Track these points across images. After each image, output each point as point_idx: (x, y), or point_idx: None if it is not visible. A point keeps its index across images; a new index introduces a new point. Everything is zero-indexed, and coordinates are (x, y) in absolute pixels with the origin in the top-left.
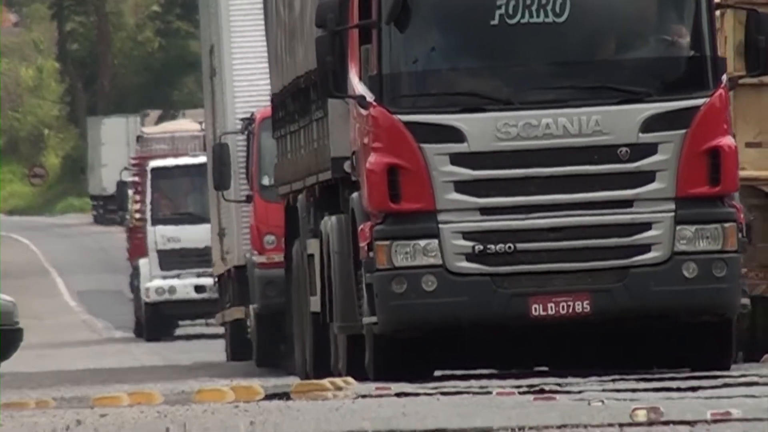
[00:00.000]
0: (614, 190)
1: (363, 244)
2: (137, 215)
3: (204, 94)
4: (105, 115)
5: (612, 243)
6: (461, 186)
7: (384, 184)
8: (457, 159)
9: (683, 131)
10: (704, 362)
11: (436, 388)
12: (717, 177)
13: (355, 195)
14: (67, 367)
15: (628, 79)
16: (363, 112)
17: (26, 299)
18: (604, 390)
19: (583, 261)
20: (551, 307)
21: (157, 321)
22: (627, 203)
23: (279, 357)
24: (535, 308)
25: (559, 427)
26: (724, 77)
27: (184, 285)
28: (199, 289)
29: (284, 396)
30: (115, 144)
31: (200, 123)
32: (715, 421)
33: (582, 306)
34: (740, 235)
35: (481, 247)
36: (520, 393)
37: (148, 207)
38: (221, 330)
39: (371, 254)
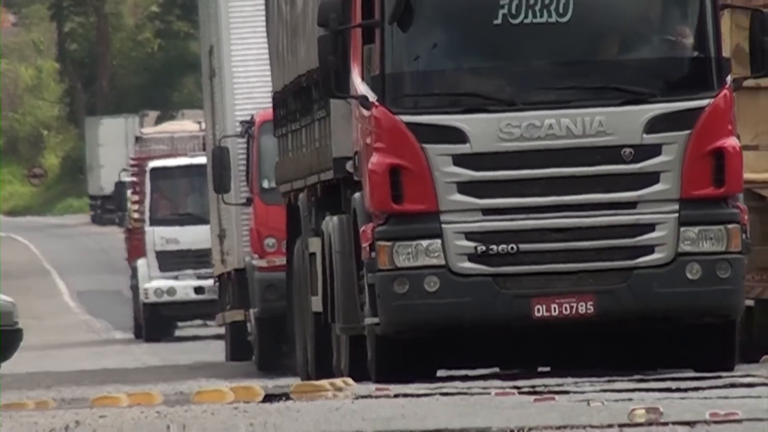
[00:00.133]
0: (618, 191)
1: (365, 245)
2: (136, 216)
3: (204, 95)
4: (104, 115)
5: (615, 244)
6: (464, 187)
7: (386, 185)
8: (459, 160)
9: (687, 132)
10: (708, 363)
11: (435, 388)
12: (721, 178)
13: (357, 195)
14: (66, 367)
15: (632, 79)
16: (365, 112)
17: (26, 300)
18: (603, 390)
19: (586, 262)
20: (554, 308)
21: (156, 322)
22: (631, 204)
23: (280, 360)
24: (538, 309)
25: (558, 427)
26: (729, 78)
27: (183, 286)
28: (198, 290)
29: (284, 397)
30: (113, 144)
31: (199, 123)
32: (715, 422)
33: (585, 307)
34: (744, 236)
35: (484, 248)
36: (519, 393)
37: (147, 208)
38: (220, 331)
39: (373, 255)
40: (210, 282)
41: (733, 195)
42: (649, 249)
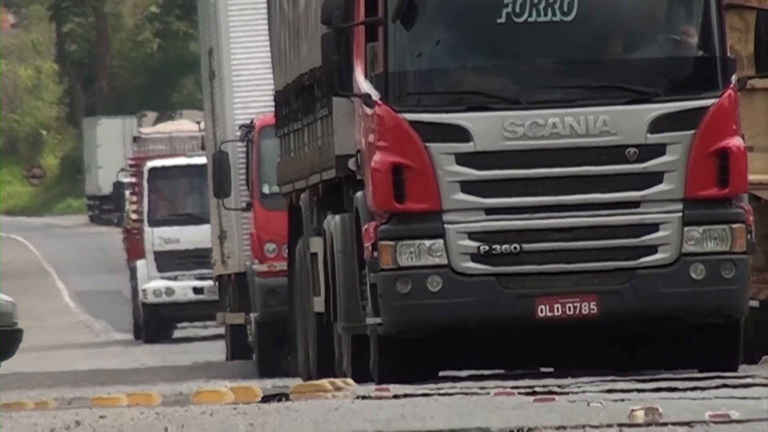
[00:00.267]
0: (622, 191)
1: (367, 244)
2: (134, 216)
3: (203, 96)
4: (104, 116)
5: (619, 244)
6: (467, 186)
7: (389, 184)
8: (463, 159)
9: (692, 132)
10: (711, 364)
11: (435, 389)
12: (726, 178)
13: (359, 194)
14: (66, 367)
15: (637, 78)
16: (368, 110)
17: (26, 300)
18: (603, 390)
19: (590, 262)
20: (558, 308)
21: (155, 323)
22: (634, 204)
23: (280, 364)
24: (542, 309)
25: (558, 427)
26: (734, 77)
27: (183, 287)
28: (197, 290)
29: (283, 397)
30: (111, 145)
31: (198, 123)
32: (714, 422)
33: (589, 307)
34: (749, 236)
35: (487, 248)
36: (519, 393)
37: (146, 208)
38: (220, 331)
39: (375, 254)
40: (209, 283)
41: (738, 195)
42: (653, 249)
